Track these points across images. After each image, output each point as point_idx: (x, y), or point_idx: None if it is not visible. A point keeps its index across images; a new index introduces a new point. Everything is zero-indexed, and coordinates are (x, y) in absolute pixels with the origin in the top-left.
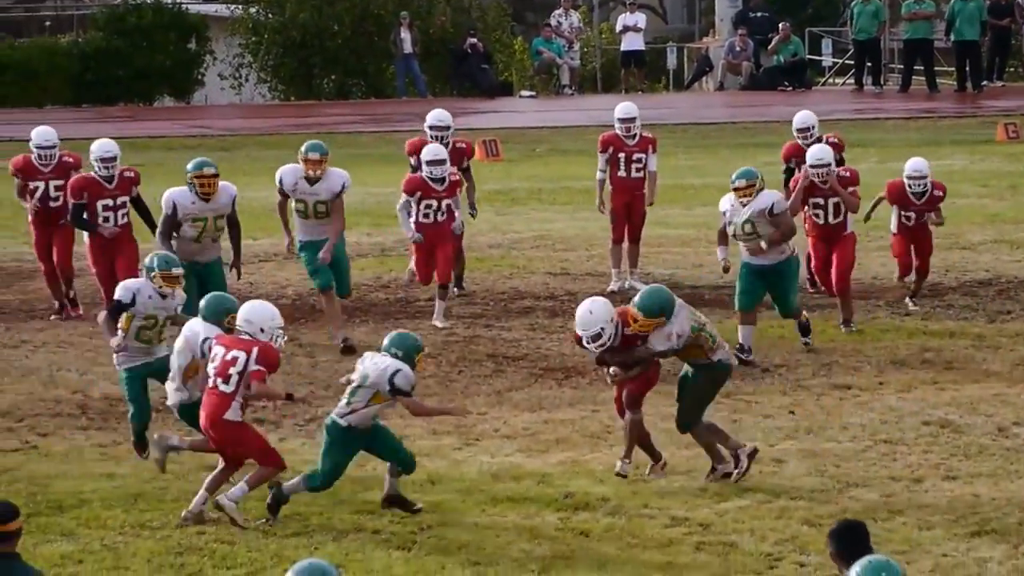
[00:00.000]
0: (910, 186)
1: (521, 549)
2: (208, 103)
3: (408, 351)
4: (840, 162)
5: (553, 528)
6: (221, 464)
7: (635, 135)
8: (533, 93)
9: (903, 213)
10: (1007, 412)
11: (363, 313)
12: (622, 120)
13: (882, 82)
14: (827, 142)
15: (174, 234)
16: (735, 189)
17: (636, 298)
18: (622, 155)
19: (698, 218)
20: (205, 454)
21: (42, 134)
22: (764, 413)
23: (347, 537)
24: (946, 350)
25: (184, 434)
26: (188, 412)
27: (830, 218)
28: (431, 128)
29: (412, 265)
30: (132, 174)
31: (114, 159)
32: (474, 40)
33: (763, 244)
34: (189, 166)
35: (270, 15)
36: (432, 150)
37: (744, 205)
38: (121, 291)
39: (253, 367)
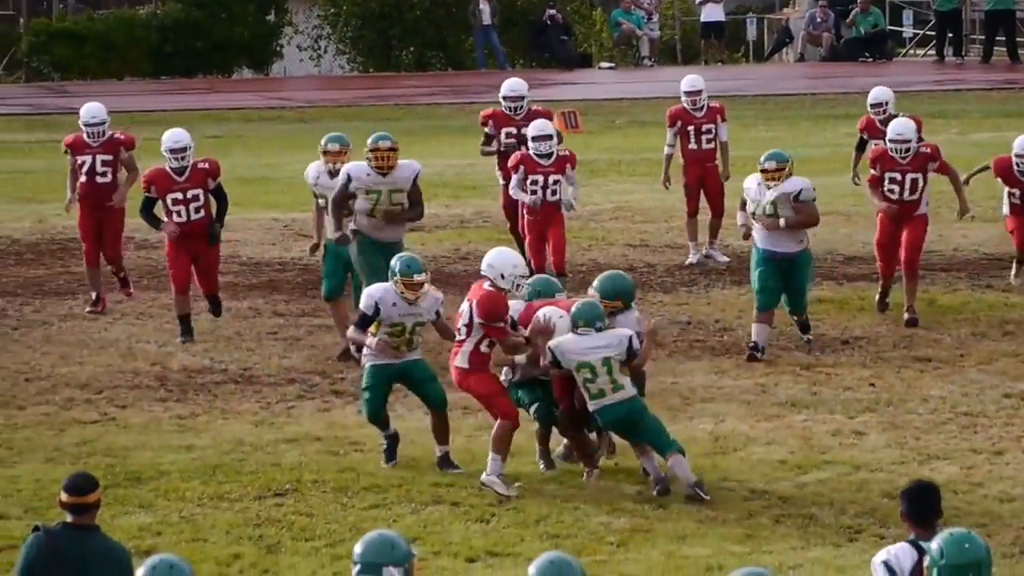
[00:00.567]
0: (1018, 164)
1: (599, 522)
2: (287, 75)
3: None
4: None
5: (631, 501)
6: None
7: (702, 107)
8: (612, 65)
9: (1010, 191)
10: None
11: (441, 285)
12: (688, 93)
13: (963, 53)
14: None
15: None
16: (763, 171)
17: (596, 280)
18: (691, 128)
19: None
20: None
21: (90, 111)
22: (844, 385)
23: (425, 509)
24: None
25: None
26: (513, 392)
27: (906, 194)
28: (505, 99)
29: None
30: (207, 165)
31: (184, 150)
32: (553, 11)
33: (782, 223)
34: (368, 140)
35: None
36: (538, 125)
37: (769, 188)
38: (364, 300)
39: (478, 321)
